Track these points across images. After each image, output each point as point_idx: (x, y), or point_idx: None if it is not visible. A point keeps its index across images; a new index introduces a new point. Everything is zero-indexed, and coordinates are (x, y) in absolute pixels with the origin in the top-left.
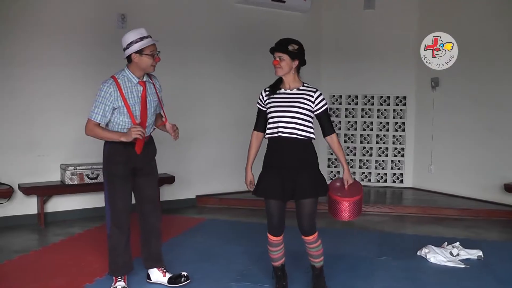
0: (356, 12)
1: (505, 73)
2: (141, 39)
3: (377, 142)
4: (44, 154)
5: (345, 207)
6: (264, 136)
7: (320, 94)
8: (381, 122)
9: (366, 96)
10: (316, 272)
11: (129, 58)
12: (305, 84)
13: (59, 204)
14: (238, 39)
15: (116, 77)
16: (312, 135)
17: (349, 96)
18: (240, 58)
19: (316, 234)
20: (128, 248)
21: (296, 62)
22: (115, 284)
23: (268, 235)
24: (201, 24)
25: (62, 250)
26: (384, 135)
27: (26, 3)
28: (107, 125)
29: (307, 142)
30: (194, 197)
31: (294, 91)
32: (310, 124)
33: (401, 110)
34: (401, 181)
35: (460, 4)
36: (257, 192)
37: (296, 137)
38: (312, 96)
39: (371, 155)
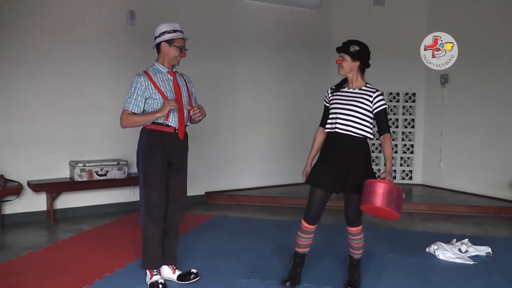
0: (365, 9)
1: None
2: (175, 31)
3: None
4: (53, 151)
5: (381, 190)
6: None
7: (380, 95)
8: (390, 119)
9: None
10: (354, 263)
11: (158, 48)
12: (367, 85)
13: (68, 201)
14: (247, 35)
15: (147, 70)
16: (368, 134)
17: None
18: (250, 55)
19: (360, 227)
20: (160, 242)
21: (357, 63)
22: (151, 278)
23: (303, 221)
24: (210, 20)
25: (72, 247)
26: (394, 132)
27: (37, 0)
28: None
29: (362, 140)
30: (204, 193)
31: (356, 90)
32: (367, 124)
33: (410, 106)
34: (410, 178)
35: (471, 1)
36: (308, 180)
37: (351, 134)
38: (371, 96)
39: (380, 152)
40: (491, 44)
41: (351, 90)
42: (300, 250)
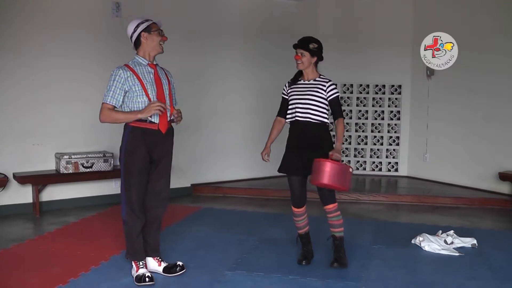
0: (351, 0)
1: (501, 62)
2: (146, 20)
3: (372, 131)
4: (39, 143)
5: (327, 169)
6: (286, 121)
7: (332, 84)
8: (376, 111)
9: (361, 85)
10: (337, 242)
11: (137, 43)
12: (321, 76)
13: (54, 193)
14: (231, 27)
15: (127, 63)
16: (325, 120)
17: (344, 85)
18: (233, 47)
19: (336, 204)
20: (141, 234)
21: (315, 58)
22: (137, 271)
23: (292, 207)
24: (193, 12)
25: (58, 239)
26: (379, 124)
27: None
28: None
29: (322, 125)
30: (189, 185)
31: (311, 82)
32: (324, 110)
33: (396, 98)
34: (396, 170)
35: None
36: (280, 169)
37: (310, 121)
38: (325, 86)
39: (366, 143)
40: (477, 35)
41: (306, 82)
42: (302, 231)
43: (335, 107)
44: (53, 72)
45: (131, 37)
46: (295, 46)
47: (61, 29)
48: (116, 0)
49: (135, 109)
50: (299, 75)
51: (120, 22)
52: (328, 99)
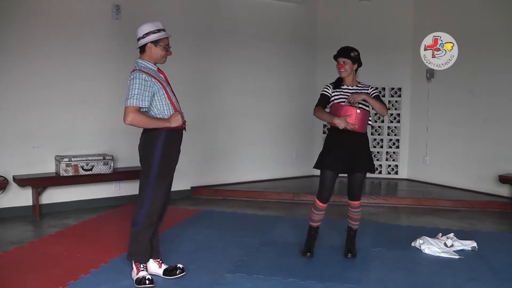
0: (351, 4)
1: (501, 64)
2: (158, 31)
3: (372, 134)
4: (39, 146)
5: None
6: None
7: (373, 87)
8: (376, 114)
9: None
10: (352, 233)
11: (142, 48)
12: (360, 83)
13: (54, 195)
14: (233, 30)
15: (141, 68)
16: (369, 124)
17: None
18: (235, 50)
19: (360, 201)
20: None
21: (356, 65)
22: (137, 274)
23: (316, 200)
24: (196, 15)
25: (58, 242)
26: (379, 127)
27: None
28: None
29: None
30: (189, 188)
31: (355, 87)
32: (368, 116)
33: (396, 101)
34: (396, 173)
35: None
36: (319, 165)
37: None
38: (367, 90)
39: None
40: (478, 37)
41: (350, 87)
42: (314, 224)
43: (378, 100)
44: (53, 74)
45: (138, 40)
46: (336, 56)
47: (61, 31)
48: (116, 2)
49: (162, 112)
50: (340, 81)
51: (120, 24)
52: (372, 95)
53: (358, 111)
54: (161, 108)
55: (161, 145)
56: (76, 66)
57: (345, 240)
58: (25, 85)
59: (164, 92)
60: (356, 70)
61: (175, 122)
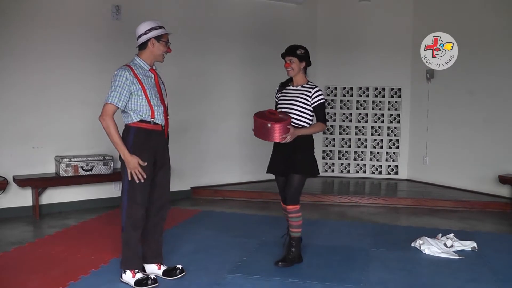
0: (351, 4)
1: (501, 65)
2: (160, 27)
3: (372, 134)
4: (39, 146)
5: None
6: None
7: (318, 90)
8: (376, 114)
9: (361, 88)
10: (291, 241)
11: (142, 45)
12: (309, 82)
13: (54, 196)
14: (231, 30)
15: (129, 65)
16: (307, 124)
17: (344, 88)
18: (233, 50)
19: (297, 206)
20: (139, 242)
21: (304, 63)
22: (134, 276)
23: (281, 203)
24: (195, 15)
25: (58, 242)
26: (379, 127)
27: None
28: (123, 111)
29: None
30: (189, 188)
31: (299, 87)
32: (307, 116)
33: (396, 102)
34: (396, 173)
35: None
36: (268, 169)
37: (292, 125)
38: (310, 92)
39: (366, 146)
40: (478, 37)
41: (294, 87)
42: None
43: (319, 112)
44: (53, 75)
45: (139, 37)
46: (283, 55)
47: (61, 31)
48: (116, 3)
49: (138, 111)
50: (289, 80)
51: (120, 25)
52: (313, 105)
53: (269, 125)
54: (138, 108)
55: (130, 143)
56: (76, 66)
57: (284, 246)
58: (25, 86)
59: (142, 93)
60: (305, 69)
61: (129, 164)
